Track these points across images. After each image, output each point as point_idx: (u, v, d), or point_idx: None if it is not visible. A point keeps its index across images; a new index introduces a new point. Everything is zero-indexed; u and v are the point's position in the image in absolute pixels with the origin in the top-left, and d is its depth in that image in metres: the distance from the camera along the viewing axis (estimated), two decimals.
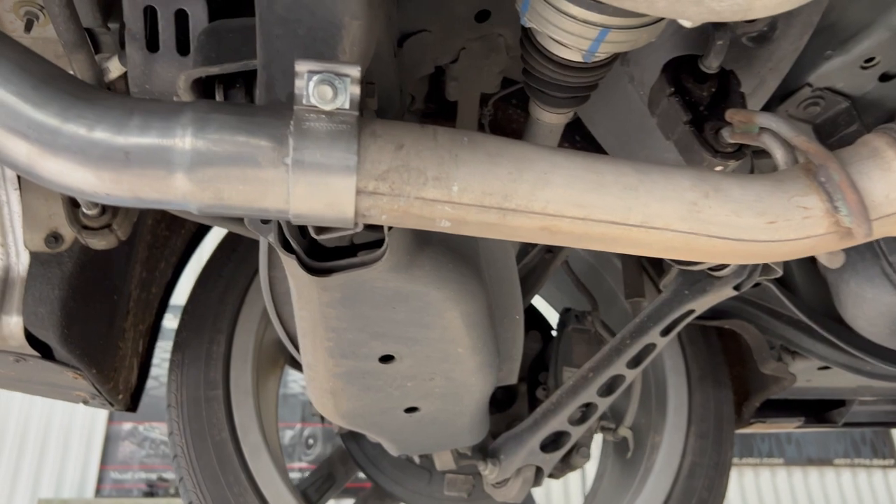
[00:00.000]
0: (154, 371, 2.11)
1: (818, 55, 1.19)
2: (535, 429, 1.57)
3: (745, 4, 0.66)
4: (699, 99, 1.02)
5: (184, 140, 0.65)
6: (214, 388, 1.93)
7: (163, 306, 2.13)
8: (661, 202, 0.73)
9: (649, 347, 1.51)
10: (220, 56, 0.87)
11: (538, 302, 2.34)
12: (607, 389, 1.56)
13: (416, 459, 2.04)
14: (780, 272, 1.33)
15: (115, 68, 1.13)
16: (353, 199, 0.68)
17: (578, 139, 1.87)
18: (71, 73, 0.87)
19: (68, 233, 1.41)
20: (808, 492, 7.89)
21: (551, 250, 1.91)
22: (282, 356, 2.32)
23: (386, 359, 1.12)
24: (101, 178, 0.64)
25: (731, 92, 1.02)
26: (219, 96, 0.87)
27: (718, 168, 0.98)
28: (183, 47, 0.98)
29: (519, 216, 0.72)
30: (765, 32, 1.07)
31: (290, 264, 0.87)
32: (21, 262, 1.45)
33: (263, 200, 0.68)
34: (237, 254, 2.07)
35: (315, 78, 0.67)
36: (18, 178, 1.39)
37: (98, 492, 6.94)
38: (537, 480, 1.64)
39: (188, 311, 2.04)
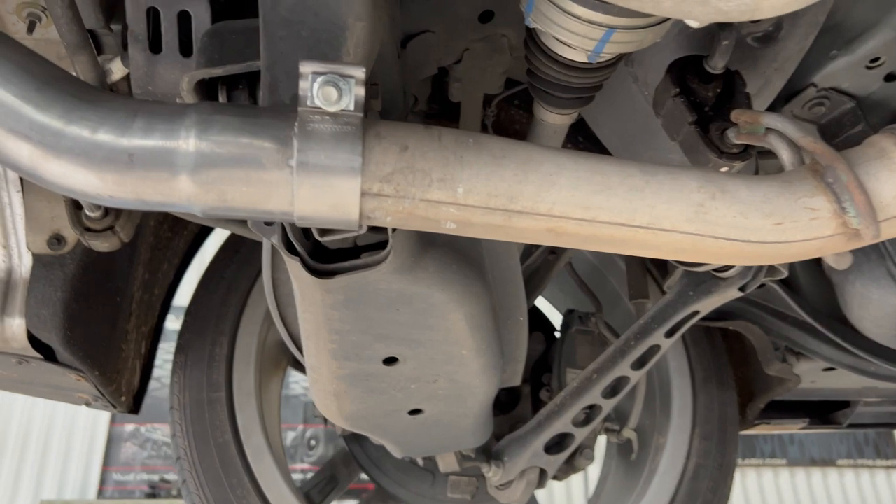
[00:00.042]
0: (156, 372, 2.11)
1: (823, 55, 1.18)
2: (539, 430, 1.57)
3: (752, 4, 0.65)
4: (704, 99, 1.01)
5: (187, 142, 0.64)
6: (217, 391, 1.93)
7: (165, 308, 2.13)
8: (667, 203, 0.73)
9: (654, 349, 1.51)
10: (224, 57, 0.87)
11: (541, 303, 2.34)
12: (611, 391, 1.56)
13: (420, 461, 2.04)
14: (785, 273, 1.32)
15: (117, 70, 1.12)
16: (358, 201, 0.68)
17: (581, 140, 1.87)
18: (73, 74, 0.87)
19: (71, 235, 1.41)
20: (811, 493, 7.88)
21: (554, 251, 1.91)
22: (284, 358, 2.32)
23: (389, 361, 1.12)
24: (105, 180, 0.64)
25: (737, 92, 1.02)
26: (222, 98, 0.87)
27: (724, 169, 0.97)
28: (186, 49, 0.97)
29: (525, 218, 0.71)
30: (770, 32, 1.06)
31: (293, 266, 0.87)
32: (23, 264, 1.45)
33: (268, 202, 0.67)
34: (240, 255, 2.07)
35: (319, 79, 0.66)
36: (21, 179, 1.38)
37: (100, 493, 6.94)
38: (541, 482, 1.64)
39: (191, 313, 2.04)
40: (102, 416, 7.14)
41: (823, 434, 7.93)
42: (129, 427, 7.17)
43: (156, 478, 7.09)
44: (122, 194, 0.65)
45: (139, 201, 0.66)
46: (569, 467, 1.77)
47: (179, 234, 2.12)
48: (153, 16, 0.97)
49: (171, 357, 2.04)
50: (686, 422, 2.07)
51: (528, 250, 1.93)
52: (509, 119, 1.94)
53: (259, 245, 1.93)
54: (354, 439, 2.16)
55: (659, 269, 1.89)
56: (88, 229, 1.24)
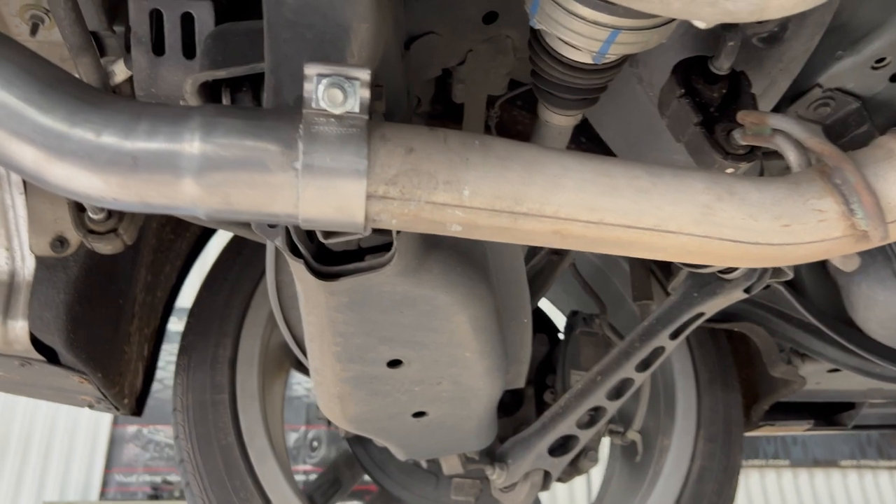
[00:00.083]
0: (158, 374, 2.11)
1: (829, 56, 1.18)
2: (544, 433, 1.56)
3: (760, 5, 0.65)
4: (710, 100, 1.00)
5: (192, 144, 0.64)
6: (220, 392, 1.93)
7: (168, 310, 2.13)
8: (674, 205, 0.72)
9: (658, 351, 1.50)
10: (227, 59, 0.87)
11: (544, 304, 2.33)
12: (616, 393, 1.55)
13: (423, 464, 2.04)
14: (791, 275, 1.32)
15: (120, 72, 1.12)
16: (364, 204, 0.67)
17: (584, 140, 1.86)
18: (77, 76, 0.86)
19: (74, 237, 1.40)
20: (813, 493, 7.86)
21: (558, 253, 1.90)
22: (287, 359, 2.32)
23: (394, 363, 1.11)
24: (109, 183, 0.63)
25: (742, 93, 1.01)
26: (225, 100, 0.87)
27: (729, 170, 0.96)
28: (189, 51, 0.97)
29: (531, 220, 0.71)
30: (776, 33, 1.06)
31: (297, 269, 0.87)
32: (27, 267, 1.45)
33: (272, 205, 0.67)
34: (242, 257, 2.07)
35: (324, 81, 0.66)
36: (24, 182, 1.38)
37: (102, 494, 6.94)
38: (545, 484, 1.64)
39: (194, 315, 2.04)
40: (105, 418, 7.13)
41: (826, 435, 7.91)
42: (132, 428, 7.17)
43: (158, 479, 7.09)
44: (126, 197, 0.65)
45: (143, 204, 0.66)
46: (573, 469, 1.77)
47: (182, 235, 2.12)
48: (156, 18, 0.96)
49: (173, 358, 2.04)
50: (690, 424, 2.07)
51: (532, 252, 1.93)
52: (512, 120, 1.94)
53: (262, 247, 1.93)
54: (358, 441, 2.15)
55: (663, 270, 1.88)
56: (92, 231, 1.24)
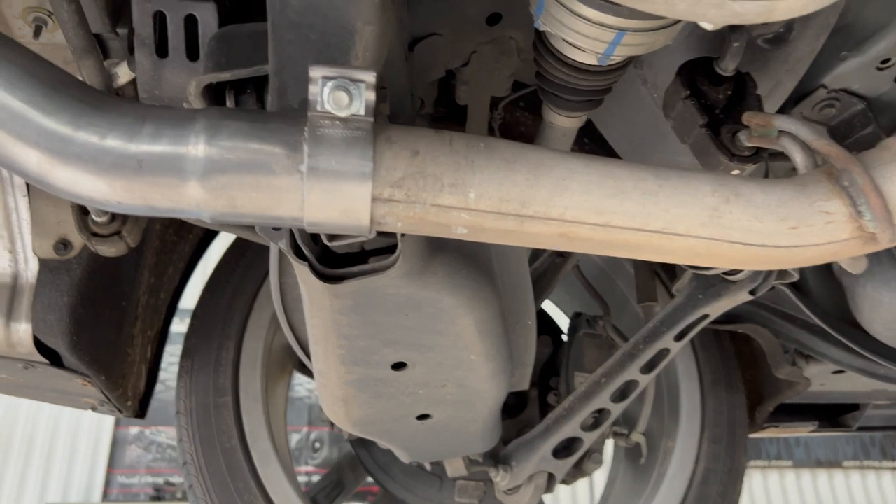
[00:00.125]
0: (161, 375, 2.10)
1: (834, 56, 1.17)
2: (548, 435, 1.56)
3: (768, 6, 0.64)
4: (715, 102, 1.00)
5: (197, 147, 0.64)
6: (224, 395, 1.92)
7: (171, 311, 2.13)
8: (681, 208, 0.72)
9: (663, 353, 1.50)
10: (231, 62, 0.86)
11: (547, 306, 2.33)
12: (620, 395, 1.55)
13: (427, 466, 2.03)
14: (796, 277, 1.31)
15: (123, 74, 1.12)
16: (369, 207, 0.67)
17: (587, 141, 1.86)
18: (80, 79, 0.86)
19: (77, 239, 1.40)
20: (816, 494, 7.85)
21: (561, 255, 1.90)
22: (290, 361, 2.31)
23: (398, 366, 1.11)
24: (113, 186, 0.63)
25: (748, 94, 1.01)
26: (229, 102, 0.86)
27: (735, 172, 0.96)
28: (192, 53, 0.97)
29: (537, 223, 0.71)
30: (781, 34, 1.05)
31: (302, 271, 0.86)
32: (30, 269, 1.45)
33: (277, 208, 0.67)
34: (245, 259, 2.07)
35: (330, 84, 0.66)
36: (27, 184, 1.38)
37: (105, 496, 6.95)
38: (549, 487, 1.63)
39: (197, 317, 2.04)
40: (107, 420, 7.14)
41: (830, 436, 7.90)
42: (134, 430, 7.18)
43: (160, 480, 7.09)
44: (131, 200, 0.64)
45: (148, 207, 0.65)
46: (577, 471, 1.76)
47: (185, 237, 2.12)
48: (160, 20, 0.96)
49: (175, 360, 2.03)
50: (695, 425, 2.06)
51: (535, 253, 1.92)
52: (515, 121, 1.93)
53: (264, 249, 1.93)
54: (361, 444, 2.15)
55: (667, 272, 1.88)
56: (95, 234, 1.24)
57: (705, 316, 1.45)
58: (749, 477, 7.72)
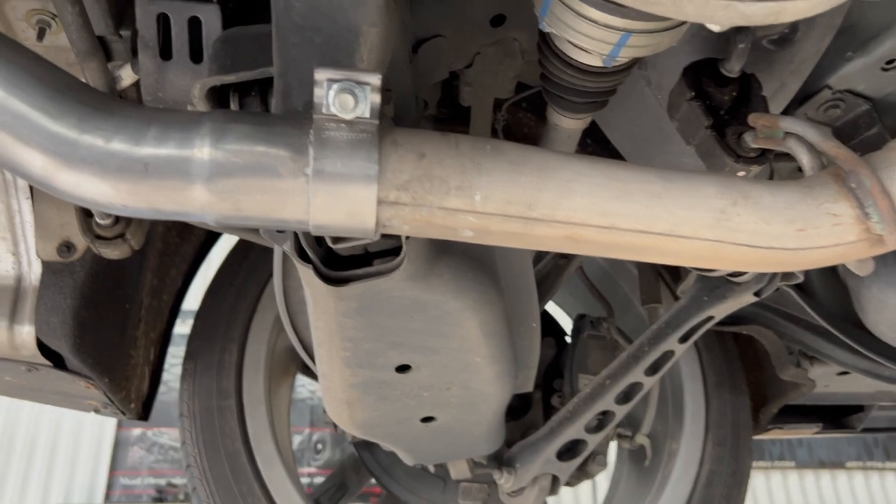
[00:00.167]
0: (163, 376, 2.10)
1: (838, 57, 1.17)
2: (552, 437, 1.55)
3: (776, 8, 0.64)
4: (720, 103, 1.00)
5: (202, 151, 0.63)
6: (227, 398, 1.92)
7: (173, 313, 2.12)
8: (687, 210, 0.72)
9: (667, 354, 1.50)
10: (236, 64, 0.86)
11: (550, 307, 2.32)
12: (625, 397, 1.54)
13: (431, 468, 2.03)
14: (801, 278, 1.31)
15: (127, 76, 1.12)
16: (375, 210, 0.67)
17: (590, 142, 1.86)
18: (84, 82, 0.86)
19: (80, 242, 1.40)
20: (820, 495, 7.83)
21: (565, 256, 1.89)
22: (293, 364, 2.31)
23: (402, 368, 1.11)
24: (119, 189, 0.63)
25: (753, 96, 1.01)
26: (233, 105, 0.86)
27: (741, 173, 0.96)
28: (196, 55, 0.97)
29: (543, 225, 0.70)
30: (786, 35, 1.05)
31: (306, 274, 0.86)
32: (33, 272, 1.45)
33: (283, 211, 0.66)
34: (248, 262, 2.06)
35: (335, 86, 0.65)
36: (30, 187, 1.38)
37: (107, 497, 6.95)
38: (553, 489, 1.63)
39: (200, 320, 2.04)
40: (109, 421, 7.14)
41: (833, 436, 7.88)
42: (136, 431, 7.17)
43: (163, 482, 7.09)
44: (137, 204, 0.64)
45: (153, 210, 0.65)
46: (581, 474, 1.76)
47: (188, 239, 2.12)
48: (163, 22, 0.96)
49: (177, 361, 2.03)
50: (699, 427, 2.06)
51: (539, 255, 1.92)
52: (517, 122, 1.93)
53: (267, 251, 1.93)
54: (365, 446, 2.15)
55: (671, 273, 1.87)
56: (99, 237, 1.24)
57: (710, 318, 1.45)
58: (752, 478, 7.70)
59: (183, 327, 2.12)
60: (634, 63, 0.98)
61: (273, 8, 0.72)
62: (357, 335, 1.01)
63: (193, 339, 2.02)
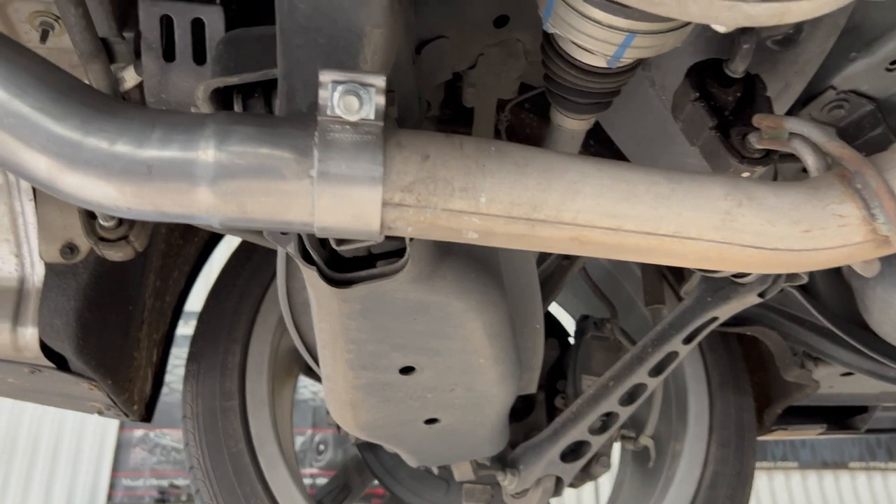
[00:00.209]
0: (165, 377, 2.10)
1: (843, 57, 1.17)
2: (555, 438, 1.55)
3: (781, 8, 0.64)
4: (724, 104, 1.00)
5: (206, 153, 0.63)
6: (230, 399, 1.92)
7: (176, 315, 2.12)
8: (694, 211, 0.71)
9: (672, 356, 1.49)
10: (239, 65, 0.86)
11: (553, 308, 2.32)
12: (629, 398, 1.54)
13: (434, 470, 2.03)
14: (805, 279, 1.31)
15: (130, 78, 1.12)
16: (379, 211, 0.67)
17: (592, 143, 1.85)
18: (86, 83, 0.86)
19: (84, 243, 1.40)
20: (823, 496, 7.82)
21: (568, 257, 1.89)
22: (296, 365, 2.31)
23: (406, 370, 1.10)
24: (123, 192, 0.63)
25: (757, 96, 1.00)
26: (237, 106, 0.86)
27: (745, 174, 0.96)
28: (199, 56, 0.97)
29: (548, 227, 0.70)
30: (791, 35, 1.05)
31: (310, 276, 0.86)
32: (36, 274, 1.45)
33: (288, 213, 0.66)
34: (251, 263, 2.06)
35: (340, 88, 0.65)
36: (33, 188, 1.38)
37: (110, 498, 6.94)
38: (557, 490, 1.63)
39: (203, 321, 2.04)
40: (111, 422, 7.13)
41: (835, 437, 7.86)
42: (139, 432, 7.17)
43: (165, 483, 7.09)
44: (141, 206, 0.64)
45: (158, 213, 0.65)
46: (585, 475, 1.76)
47: (190, 241, 2.12)
48: (166, 23, 0.96)
49: (180, 362, 2.03)
50: (703, 428, 2.05)
51: (542, 256, 1.92)
52: (520, 123, 1.93)
53: (270, 252, 1.93)
54: (368, 447, 2.14)
55: (675, 274, 1.87)
56: (102, 239, 1.24)
57: (714, 318, 1.45)
58: (755, 478, 7.69)
59: (185, 328, 2.12)
60: (638, 64, 0.98)
61: (277, 10, 0.72)
62: (361, 337, 1.01)
63: (197, 341, 2.02)
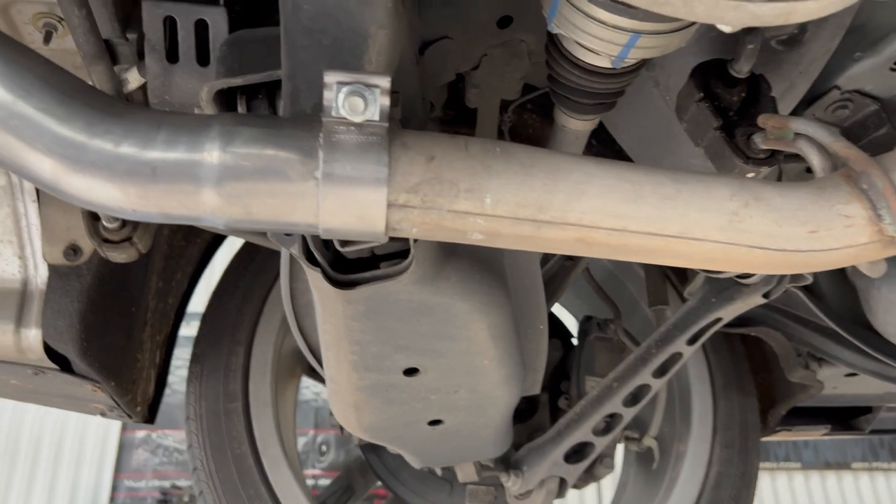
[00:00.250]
0: (168, 379, 2.10)
1: (847, 57, 1.16)
2: (559, 440, 1.55)
3: (787, 8, 0.64)
4: (729, 104, 0.99)
5: (212, 154, 0.63)
6: (234, 401, 1.92)
7: (178, 316, 2.12)
8: (700, 212, 0.71)
9: (676, 356, 1.49)
10: (243, 67, 0.86)
11: (556, 308, 2.32)
12: (632, 399, 1.54)
13: (438, 471, 2.02)
14: (810, 279, 1.30)
15: (133, 79, 1.11)
16: (384, 213, 0.66)
17: (594, 143, 1.85)
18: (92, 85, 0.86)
19: (87, 245, 1.40)
20: (825, 496, 7.80)
21: (572, 258, 1.89)
22: (299, 366, 2.31)
23: (410, 371, 1.10)
24: (128, 193, 0.63)
25: (762, 96, 1.00)
26: (241, 108, 0.86)
27: (750, 175, 0.95)
28: (203, 58, 0.97)
29: (554, 228, 0.70)
30: (795, 35, 1.04)
31: (314, 277, 0.86)
32: (39, 275, 1.45)
33: (292, 215, 0.66)
34: (254, 264, 2.06)
35: (345, 89, 0.65)
36: (37, 190, 1.38)
37: (112, 500, 6.95)
38: (561, 492, 1.62)
39: (206, 323, 2.03)
40: (114, 423, 7.14)
41: (838, 437, 7.84)
42: (141, 434, 7.17)
43: (167, 484, 7.09)
44: (146, 208, 0.64)
45: (163, 215, 0.65)
46: (589, 476, 1.75)
47: (193, 242, 2.12)
48: (170, 25, 0.96)
49: (182, 363, 2.03)
50: (707, 429, 2.05)
51: (545, 257, 1.91)
52: (522, 124, 1.93)
53: (274, 253, 1.93)
54: (371, 448, 2.14)
55: (678, 275, 1.87)
56: (106, 240, 1.24)
57: (718, 319, 1.44)
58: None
59: (187, 329, 2.12)
60: (643, 64, 0.98)
61: (281, 11, 0.72)
62: (365, 338, 1.01)
63: (200, 342, 2.02)
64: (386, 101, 0.66)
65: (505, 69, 1.27)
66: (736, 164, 0.95)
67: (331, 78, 0.66)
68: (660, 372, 1.51)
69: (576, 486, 1.74)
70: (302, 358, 2.14)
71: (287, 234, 0.86)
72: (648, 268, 1.96)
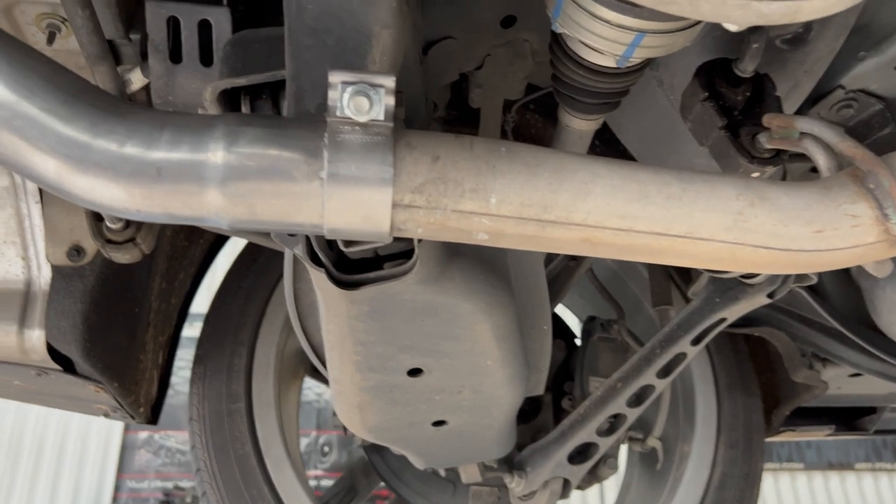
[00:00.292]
0: (170, 379, 2.10)
1: (851, 57, 1.16)
2: (563, 440, 1.55)
3: (793, 7, 0.63)
4: (734, 103, 0.99)
5: (216, 154, 0.63)
6: (237, 401, 1.92)
7: (181, 317, 2.12)
8: (706, 212, 0.71)
9: (680, 357, 1.49)
10: (247, 67, 0.86)
11: (559, 309, 2.31)
12: (636, 400, 1.54)
13: (441, 472, 2.02)
14: (815, 279, 1.30)
15: (136, 80, 1.11)
16: (389, 213, 0.66)
17: (598, 143, 1.85)
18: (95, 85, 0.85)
19: (90, 246, 1.40)
20: (828, 497, 7.79)
21: (575, 258, 1.89)
22: (302, 366, 2.31)
23: (414, 372, 1.10)
24: (132, 194, 0.62)
25: (767, 96, 1.00)
26: (245, 108, 0.86)
27: (755, 174, 0.95)
28: (206, 58, 0.96)
29: (559, 228, 0.70)
30: (800, 34, 1.04)
31: (318, 278, 0.86)
32: (43, 276, 1.45)
33: (297, 215, 0.66)
34: (257, 265, 2.06)
35: (350, 89, 0.65)
36: (40, 191, 1.38)
37: (115, 500, 6.95)
38: (564, 492, 1.62)
39: (209, 324, 2.03)
40: (116, 424, 7.15)
41: (842, 438, 7.82)
42: (143, 434, 7.18)
43: (170, 485, 7.09)
44: (150, 208, 0.64)
45: (167, 215, 0.65)
46: (592, 477, 1.75)
47: (195, 242, 2.12)
48: (173, 25, 0.96)
49: (185, 364, 2.03)
50: (711, 430, 2.04)
51: (549, 257, 1.91)
52: (525, 124, 1.93)
53: (277, 254, 1.93)
54: (374, 449, 2.14)
55: (682, 275, 1.87)
56: (110, 241, 1.24)
57: (722, 319, 1.44)
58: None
59: (190, 330, 2.12)
60: (647, 63, 0.97)
61: (285, 11, 0.72)
62: (369, 339, 1.01)
63: (203, 343, 2.02)
64: (391, 100, 0.66)
65: (508, 69, 1.27)
66: (741, 164, 0.95)
67: (335, 78, 0.65)
68: (664, 372, 1.51)
69: (579, 487, 1.74)
70: (305, 359, 2.14)
71: (291, 235, 0.86)
72: (652, 268, 1.95)
